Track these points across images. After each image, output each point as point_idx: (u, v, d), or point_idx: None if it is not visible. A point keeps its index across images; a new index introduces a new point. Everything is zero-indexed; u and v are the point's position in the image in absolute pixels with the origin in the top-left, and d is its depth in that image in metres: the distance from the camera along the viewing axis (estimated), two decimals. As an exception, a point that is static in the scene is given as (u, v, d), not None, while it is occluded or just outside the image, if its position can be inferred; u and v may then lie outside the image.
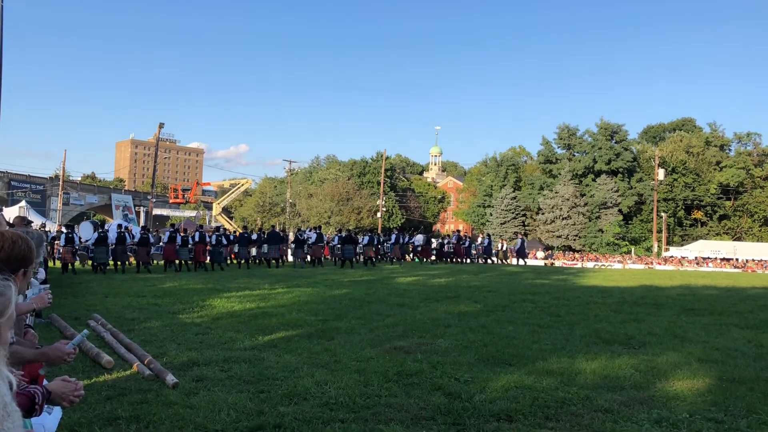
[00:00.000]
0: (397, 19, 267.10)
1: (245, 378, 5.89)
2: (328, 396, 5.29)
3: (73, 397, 2.66)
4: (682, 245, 71.41)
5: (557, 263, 55.79)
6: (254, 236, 26.43)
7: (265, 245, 25.65)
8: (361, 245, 27.48)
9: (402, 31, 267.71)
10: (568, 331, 8.95)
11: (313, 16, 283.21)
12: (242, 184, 75.82)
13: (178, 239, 23.48)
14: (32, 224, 12.70)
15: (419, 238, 33.19)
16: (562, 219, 75.96)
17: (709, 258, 62.31)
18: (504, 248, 37.76)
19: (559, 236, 76.20)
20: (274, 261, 26.03)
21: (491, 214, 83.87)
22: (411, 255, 32.97)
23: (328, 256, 29.09)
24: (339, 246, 26.58)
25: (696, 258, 61.94)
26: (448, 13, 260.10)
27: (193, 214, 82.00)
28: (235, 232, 35.81)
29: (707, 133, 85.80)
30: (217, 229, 27.67)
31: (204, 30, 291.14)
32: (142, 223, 57.59)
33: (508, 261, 35.52)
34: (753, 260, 60.96)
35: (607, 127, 78.62)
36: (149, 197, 64.14)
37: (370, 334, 8.44)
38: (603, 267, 48.75)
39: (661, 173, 69.26)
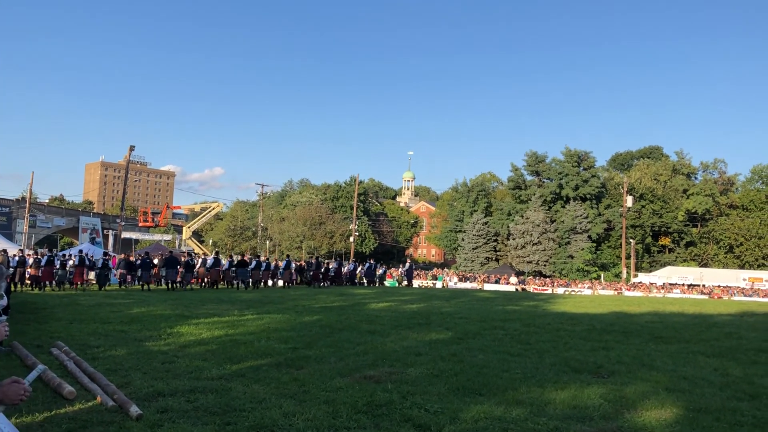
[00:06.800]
0: (372, 45, 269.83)
1: (211, 409, 5.77)
2: (296, 428, 5.19)
3: (21, 398, 2.91)
4: (650, 271, 72.44)
5: (528, 289, 56.16)
6: (156, 261, 29.40)
7: (163, 269, 28.11)
8: (249, 269, 29.65)
9: (376, 57, 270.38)
10: (538, 359, 8.96)
11: (287, 40, 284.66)
12: (213, 208, 75.16)
13: (57, 262, 26.31)
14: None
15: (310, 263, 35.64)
16: (533, 245, 76.61)
17: (676, 284, 63.27)
18: (401, 272, 43.26)
19: (530, 262, 76.77)
20: (173, 284, 28.05)
21: (463, 239, 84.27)
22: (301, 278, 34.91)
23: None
24: (234, 270, 29.52)
25: (664, 284, 62.83)
26: (421, 39, 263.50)
27: (163, 237, 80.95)
28: (204, 254, 36.69)
29: (674, 161, 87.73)
30: (105, 254, 31.28)
31: (180, 50, 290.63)
32: (110, 246, 56.60)
33: (404, 284, 40.31)
34: (719, 286, 62.10)
35: (574, 154, 79.89)
36: (118, 220, 63.28)
37: (339, 362, 8.35)
38: (573, 293, 49.22)
39: (629, 200, 70.38)
